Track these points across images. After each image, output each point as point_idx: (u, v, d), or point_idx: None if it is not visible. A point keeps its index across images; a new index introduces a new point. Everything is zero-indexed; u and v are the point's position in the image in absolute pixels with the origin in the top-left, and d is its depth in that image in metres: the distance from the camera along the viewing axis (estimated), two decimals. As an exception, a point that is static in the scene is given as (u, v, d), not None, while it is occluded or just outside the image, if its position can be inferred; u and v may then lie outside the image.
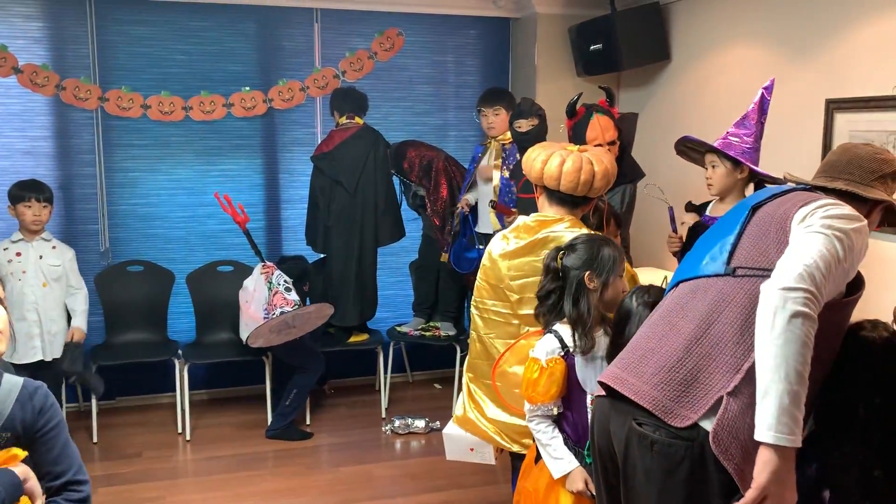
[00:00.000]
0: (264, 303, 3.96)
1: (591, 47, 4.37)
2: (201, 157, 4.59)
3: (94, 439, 4.04)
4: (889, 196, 1.85)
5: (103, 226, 4.46)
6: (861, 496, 1.73)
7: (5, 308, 1.73)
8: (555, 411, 2.18)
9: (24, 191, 3.71)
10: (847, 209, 1.68)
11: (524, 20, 4.84)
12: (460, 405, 2.65)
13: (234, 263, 4.51)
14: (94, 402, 4.06)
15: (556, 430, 2.18)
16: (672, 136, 3.58)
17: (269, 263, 4.08)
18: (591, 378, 2.12)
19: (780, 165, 3.35)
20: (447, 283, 4.54)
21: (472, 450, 2.58)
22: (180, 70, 4.47)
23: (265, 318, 3.93)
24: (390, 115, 4.81)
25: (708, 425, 1.56)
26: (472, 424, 2.56)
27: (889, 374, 1.75)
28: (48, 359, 3.72)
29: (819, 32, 3.22)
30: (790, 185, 1.93)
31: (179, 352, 4.27)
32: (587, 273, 2.17)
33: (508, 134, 4.08)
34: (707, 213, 2.91)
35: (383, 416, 4.43)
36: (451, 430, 2.65)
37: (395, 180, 4.53)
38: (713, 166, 2.81)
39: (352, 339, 4.50)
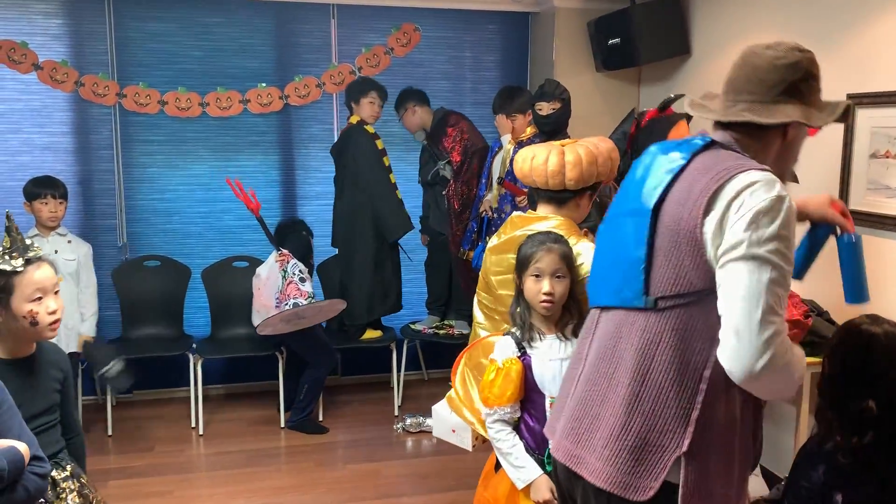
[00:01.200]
0: (277, 291, 3.95)
1: (610, 42, 4.29)
2: (217, 153, 4.61)
3: (109, 432, 4.08)
4: (804, 108, 1.53)
5: (121, 221, 4.50)
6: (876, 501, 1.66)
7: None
8: (514, 416, 2.12)
9: (40, 187, 3.75)
10: (765, 195, 1.40)
11: (543, 15, 4.77)
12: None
13: (250, 259, 4.52)
14: (109, 395, 4.10)
15: (517, 438, 2.11)
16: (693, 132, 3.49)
17: (284, 251, 4.07)
18: (548, 380, 2.06)
19: (800, 162, 3.25)
20: (459, 280, 4.50)
21: (453, 431, 2.53)
22: (197, 66, 4.49)
23: (276, 306, 3.93)
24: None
25: (675, 478, 1.46)
26: (456, 407, 2.51)
27: None
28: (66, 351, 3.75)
29: (840, 26, 3.11)
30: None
31: (194, 346, 4.29)
32: (516, 273, 2.17)
33: (529, 129, 4.01)
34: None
35: (396, 413, 4.40)
36: (440, 408, 2.60)
37: (421, 149, 4.59)
38: None
39: (364, 336, 4.48)
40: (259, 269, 4.10)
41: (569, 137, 3.76)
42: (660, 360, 1.48)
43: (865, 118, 2.97)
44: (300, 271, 4.01)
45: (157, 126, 4.49)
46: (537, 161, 2.26)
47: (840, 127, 3.08)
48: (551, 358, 2.08)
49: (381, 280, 4.40)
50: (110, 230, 4.50)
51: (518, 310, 2.15)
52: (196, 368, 4.16)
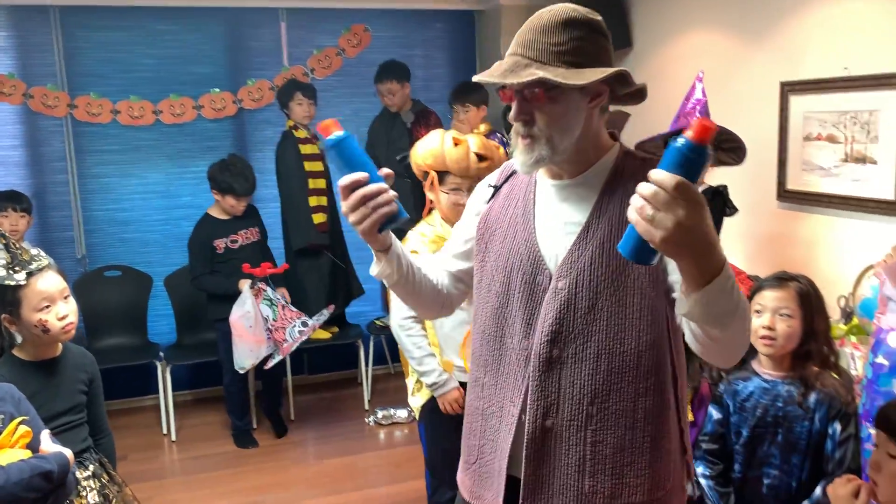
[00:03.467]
0: (267, 323, 3.79)
1: (555, 37, 4.44)
2: (173, 160, 4.61)
3: (80, 444, 4.07)
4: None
5: (79, 233, 4.48)
6: None
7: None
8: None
9: (1, 201, 3.72)
10: None
11: (489, 12, 4.91)
12: None
13: (212, 264, 4.54)
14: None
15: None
16: (635, 122, 3.68)
17: (259, 285, 3.85)
18: None
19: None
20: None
21: None
22: (148, 74, 4.48)
23: (268, 337, 3.77)
24: (362, 111, 4.84)
25: None
26: None
27: None
28: None
29: (773, 17, 3.32)
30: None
31: (161, 354, 4.30)
32: None
33: (483, 126, 4.14)
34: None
35: (366, 408, 4.50)
36: None
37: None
38: None
39: (314, 336, 4.37)
40: (236, 314, 3.76)
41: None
42: None
43: (798, 104, 3.19)
44: (281, 295, 3.93)
45: (110, 135, 4.48)
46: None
47: (775, 114, 3.30)
48: None
49: (314, 282, 4.37)
50: (68, 242, 4.47)
51: None
52: (164, 375, 4.18)
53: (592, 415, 1.38)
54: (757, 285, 2.04)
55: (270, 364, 3.83)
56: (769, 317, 1.93)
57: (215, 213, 4.01)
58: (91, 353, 2.29)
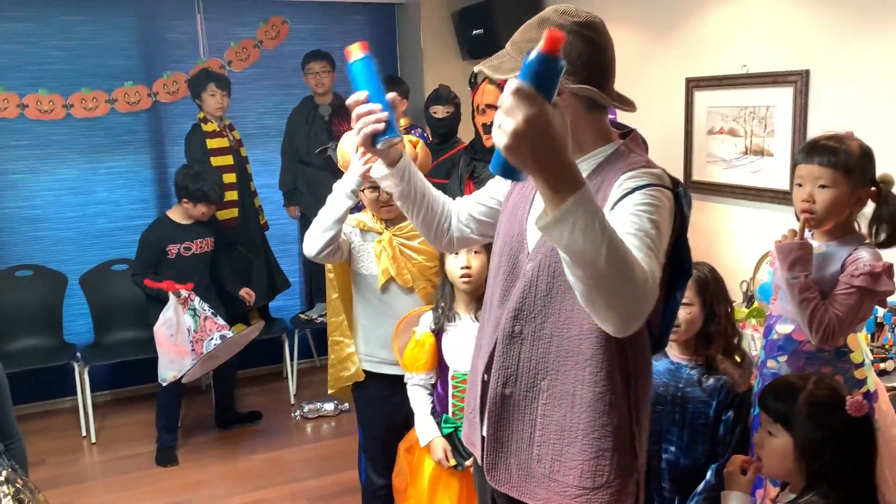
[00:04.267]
0: (190, 334, 3.69)
1: (474, 32, 4.53)
2: (86, 156, 4.48)
3: (-7, 450, 3.94)
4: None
5: (-14, 231, 4.31)
6: None
7: None
8: (429, 382, 2.35)
9: None
10: None
11: (408, 6, 4.95)
12: None
13: (129, 261, 4.43)
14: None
15: (427, 401, 2.35)
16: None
17: (184, 294, 3.72)
18: (450, 355, 2.29)
19: (650, 138, 3.62)
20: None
21: None
22: (59, 67, 4.34)
23: (192, 349, 3.66)
24: (281, 104, 4.82)
25: None
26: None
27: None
28: None
29: (678, 14, 3.49)
30: None
31: (78, 354, 4.19)
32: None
33: (403, 121, 4.18)
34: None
35: (292, 402, 4.51)
36: None
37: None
38: None
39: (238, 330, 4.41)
40: (164, 320, 3.67)
41: (460, 140, 4.02)
42: None
43: (702, 99, 3.37)
44: (208, 306, 3.80)
45: (17, 131, 4.31)
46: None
47: (681, 108, 3.47)
48: (462, 335, 2.28)
49: (230, 277, 4.26)
50: (-26, 242, 4.31)
51: (445, 290, 2.35)
52: (82, 376, 4.08)
53: (543, 390, 1.50)
54: None
55: (185, 379, 3.70)
56: None
57: (176, 216, 3.89)
58: None
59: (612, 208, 1.36)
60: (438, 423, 2.31)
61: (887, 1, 2.60)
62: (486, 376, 1.57)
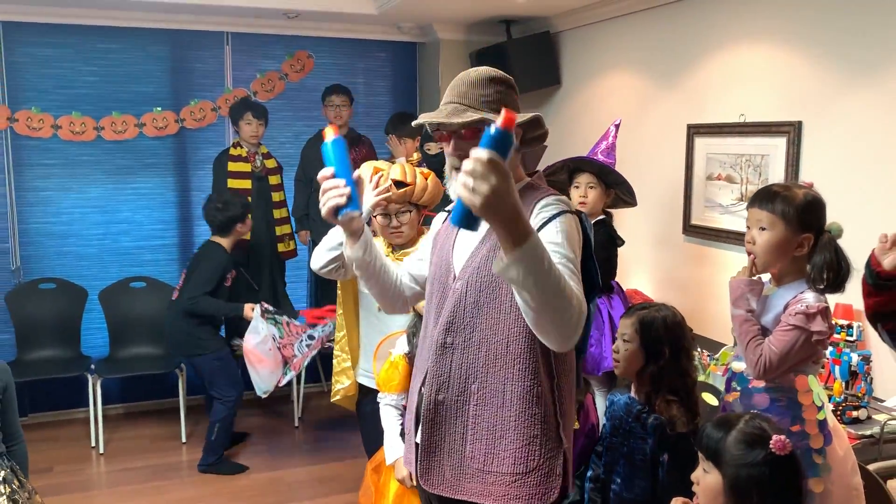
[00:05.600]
0: (276, 342, 3.83)
1: (490, 72, 4.66)
2: (113, 176, 4.69)
3: (5, 456, 4.08)
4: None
5: (14, 244, 4.51)
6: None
7: None
8: (400, 403, 2.42)
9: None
10: None
11: (429, 45, 5.12)
12: None
13: (147, 279, 4.62)
14: None
15: (397, 422, 2.42)
16: (562, 155, 3.90)
17: (262, 304, 3.93)
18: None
19: (648, 183, 3.71)
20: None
21: None
22: (91, 91, 4.57)
23: (282, 352, 3.83)
24: (302, 134, 4.99)
25: None
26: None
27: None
28: None
29: (681, 63, 3.59)
30: None
31: (92, 367, 4.34)
32: None
33: (416, 155, 4.32)
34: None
35: (296, 425, 4.60)
36: None
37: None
38: (590, 187, 3.14)
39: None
40: (251, 341, 3.78)
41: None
42: None
43: (702, 145, 3.45)
44: (274, 309, 3.97)
45: (51, 150, 4.54)
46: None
47: (682, 153, 3.56)
48: None
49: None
50: (3, 253, 4.50)
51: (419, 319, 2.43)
52: (95, 388, 4.22)
53: (473, 392, 1.68)
54: (627, 313, 2.26)
55: (283, 382, 3.89)
56: (618, 341, 2.18)
57: (226, 246, 4.08)
58: (7, 365, 2.35)
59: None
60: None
61: (877, 57, 2.67)
62: (422, 388, 1.75)
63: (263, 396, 3.90)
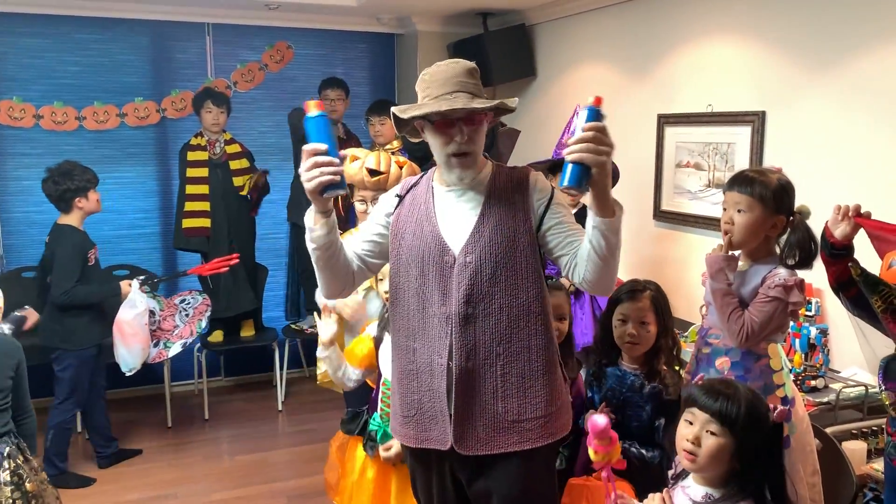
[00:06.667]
0: (155, 317, 3.86)
1: (467, 63, 4.77)
2: (95, 166, 4.60)
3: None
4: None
5: (-4, 233, 4.54)
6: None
7: None
8: (356, 378, 2.49)
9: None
10: None
11: (407, 36, 5.21)
12: None
13: (130, 267, 4.66)
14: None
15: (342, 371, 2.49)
16: (539, 145, 4.02)
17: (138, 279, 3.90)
18: (384, 364, 2.37)
19: (621, 170, 3.84)
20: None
21: None
22: (73, 81, 4.61)
23: (160, 327, 3.87)
24: (282, 123, 5.04)
25: None
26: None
27: None
28: None
29: (651, 55, 3.73)
30: None
31: (76, 354, 4.37)
32: None
33: (395, 142, 4.43)
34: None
35: (280, 409, 4.69)
36: None
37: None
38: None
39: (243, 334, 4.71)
40: (129, 311, 3.74)
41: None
42: None
43: (672, 134, 3.59)
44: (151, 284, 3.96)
45: (32, 140, 4.57)
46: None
47: (653, 142, 3.70)
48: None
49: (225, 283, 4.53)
50: (-15, 243, 4.53)
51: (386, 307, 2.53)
52: (80, 375, 4.26)
53: (500, 353, 1.82)
54: (615, 296, 2.30)
55: (166, 356, 3.89)
56: (632, 325, 2.23)
57: (76, 224, 3.90)
58: (20, 343, 2.44)
59: (548, 206, 1.85)
60: (368, 420, 2.46)
61: (835, 51, 2.83)
62: (449, 363, 1.83)
63: (128, 374, 3.80)
